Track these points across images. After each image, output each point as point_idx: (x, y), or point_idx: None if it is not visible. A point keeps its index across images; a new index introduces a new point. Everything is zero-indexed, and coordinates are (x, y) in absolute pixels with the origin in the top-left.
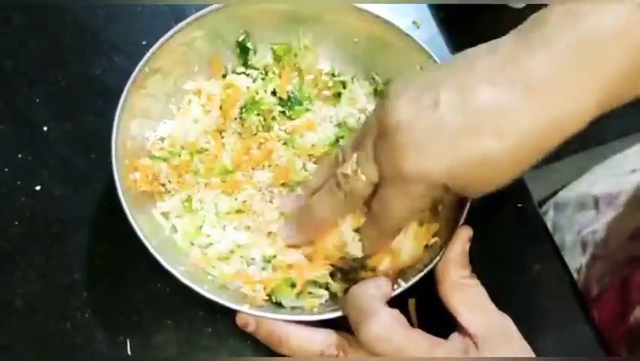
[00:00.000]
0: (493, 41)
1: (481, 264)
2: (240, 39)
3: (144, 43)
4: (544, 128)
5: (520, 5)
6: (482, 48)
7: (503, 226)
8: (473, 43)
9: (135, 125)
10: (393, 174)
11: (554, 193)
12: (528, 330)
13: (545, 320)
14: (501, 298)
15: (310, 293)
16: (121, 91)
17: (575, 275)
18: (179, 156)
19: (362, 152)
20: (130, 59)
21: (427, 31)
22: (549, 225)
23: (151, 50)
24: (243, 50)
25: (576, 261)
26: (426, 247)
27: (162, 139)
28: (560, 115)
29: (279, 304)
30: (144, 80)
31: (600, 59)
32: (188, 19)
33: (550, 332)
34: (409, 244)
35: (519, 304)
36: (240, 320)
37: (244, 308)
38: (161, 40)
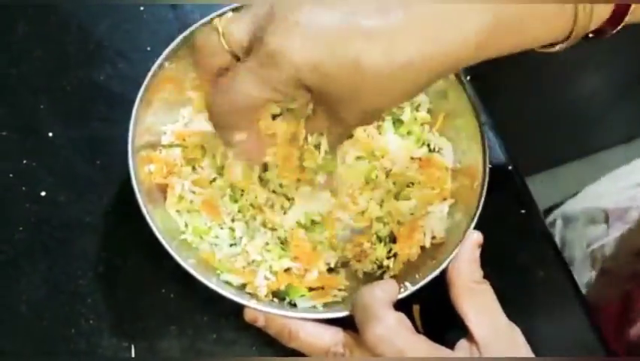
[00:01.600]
0: None
1: (484, 270)
2: None
3: (148, 49)
4: (430, 53)
5: None
6: None
7: (507, 233)
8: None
9: (151, 117)
10: (256, 48)
11: (560, 203)
12: (531, 336)
13: (549, 326)
14: (504, 304)
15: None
16: (125, 97)
17: (584, 290)
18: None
19: (240, 17)
20: (134, 66)
21: None
22: (557, 238)
23: (174, 43)
24: None
25: (584, 275)
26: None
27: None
28: (444, 43)
29: (286, 302)
30: (164, 73)
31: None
32: (214, 14)
33: (553, 338)
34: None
35: (523, 310)
36: (248, 315)
37: (252, 303)
38: (185, 33)
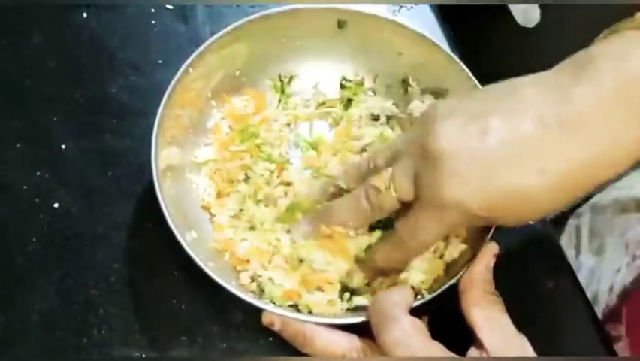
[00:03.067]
0: (538, 74)
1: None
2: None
3: (160, 62)
4: (584, 166)
5: (531, 25)
6: (527, 80)
7: (515, 243)
8: (491, 66)
9: (176, 124)
10: (431, 198)
11: (587, 198)
12: (540, 346)
13: (558, 337)
14: (513, 315)
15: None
16: (137, 109)
17: (612, 277)
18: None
19: (399, 168)
20: (146, 78)
21: None
22: (585, 229)
23: (197, 51)
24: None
25: (616, 262)
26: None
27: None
28: (600, 153)
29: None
30: (189, 81)
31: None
32: (229, 27)
33: (562, 348)
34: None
35: (532, 321)
36: (266, 319)
37: (269, 307)
38: (208, 42)
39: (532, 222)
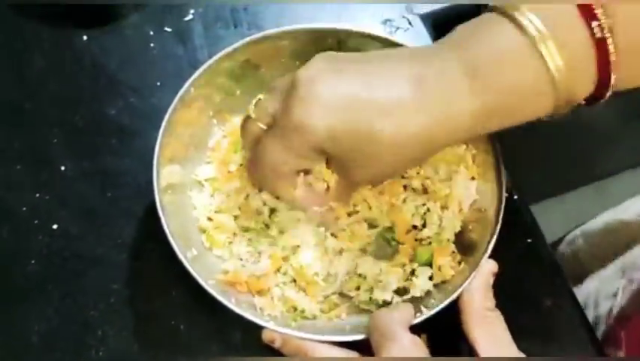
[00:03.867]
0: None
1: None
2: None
3: (158, 84)
4: (426, 126)
5: None
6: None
7: (513, 261)
8: None
9: (176, 144)
10: (280, 119)
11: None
12: None
13: (557, 355)
14: (512, 334)
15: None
16: (136, 131)
17: (610, 300)
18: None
19: (269, 95)
20: (145, 100)
21: None
22: (583, 254)
23: (199, 70)
24: None
25: (613, 285)
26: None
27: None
28: (440, 115)
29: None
30: (191, 101)
31: (480, 79)
32: (230, 48)
33: None
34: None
35: (530, 340)
36: (266, 336)
37: (269, 325)
38: (211, 61)
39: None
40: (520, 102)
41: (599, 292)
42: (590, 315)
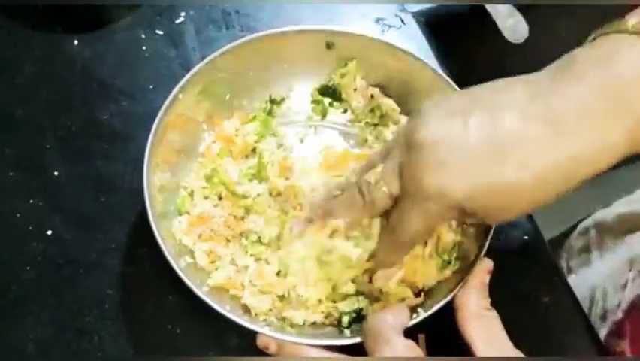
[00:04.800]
0: (524, 76)
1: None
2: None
3: (151, 87)
4: (567, 162)
5: (519, 41)
6: (512, 80)
7: (510, 259)
8: (480, 82)
9: (167, 149)
10: (413, 188)
11: (586, 216)
12: None
13: (555, 352)
14: (510, 331)
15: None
16: (129, 135)
17: (619, 293)
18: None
19: (388, 163)
20: (137, 104)
21: None
22: (595, 246)
23: (187, 76)
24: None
25: (622, 277)
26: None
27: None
28: (584, 150)
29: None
30: (180, 106)
31: (628, 99)
32: (218, 52)
33: None
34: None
35: (528, 337)
36: (260, 342)
37: (264, 330)
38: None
39: (519, 220)
40: None
41: (608, 285)
42: (599, 308)
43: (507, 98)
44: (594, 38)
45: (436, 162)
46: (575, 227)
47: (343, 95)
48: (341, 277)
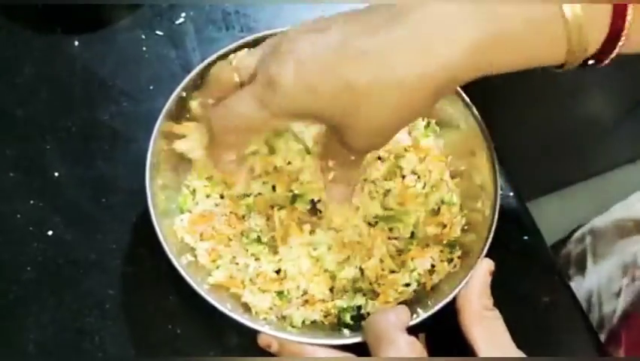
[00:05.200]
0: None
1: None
2: None
3: (151, 88)
4: (423, 69)
5: None
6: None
7: (510, 260)
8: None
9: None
10: (258, 74)
11: (584, 220)
12: None
13: (556, 352)
14: (510, 332)
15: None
16: (130, 136)
17: (614, 300)
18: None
19: (255, 50)
20: (138, 105)
21: None
22: (589, 253)
23: (189, 76)
24: None
25: (616, 284)
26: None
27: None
28: (436, 58)
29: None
30: (182, 107)
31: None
32: (220, 52)
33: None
34: None
35: (528, 337)
36: (262, 341)
37: (265, 329)
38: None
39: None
40: (529, 34)
41: (602, 292)
42: (595, 316)
43: (358, 21)
44: None
45: (286, 52)
46: (572, 234)
47: None
48: (334, 264)
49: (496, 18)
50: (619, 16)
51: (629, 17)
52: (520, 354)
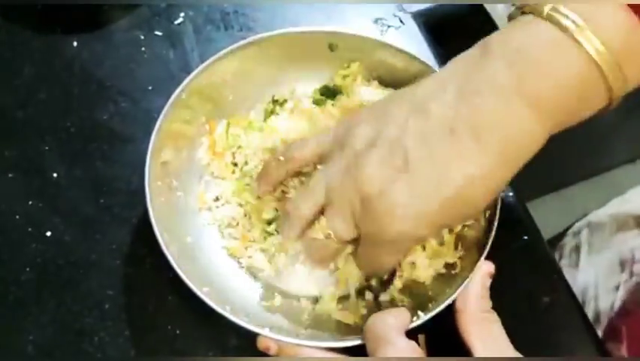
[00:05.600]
0: (435, 76)
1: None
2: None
3: (150, 88)
4: (501, 160)
5: None
6: (429, 85)
7: (510, 260)
8: None
9: (168, 150)
10: (373, 237)
11: (582, 216)
12: None
13: (556, 352)
14: (510, 331)
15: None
16: (129, 136)
17: (611, 295)
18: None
19: (332, 213)
20: (137, 105)
21: None
22: (585, 246)
23: (189, 77)
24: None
25: (613, 279)
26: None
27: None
28: (512, 147)
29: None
30: (182, 107)
31: (540, 92)
32: (221, 52)
33: None
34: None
35: (528, 337)
36: (261, 344)
37: (265, 331)
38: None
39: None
40: (572, 99)
41: (599, 286)
42: (591, 309)
43: (431, 114)
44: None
45: (394, 209)
46: (569, 228)
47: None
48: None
49: (545, 105)
50: None
51: None
52: (518, 355)
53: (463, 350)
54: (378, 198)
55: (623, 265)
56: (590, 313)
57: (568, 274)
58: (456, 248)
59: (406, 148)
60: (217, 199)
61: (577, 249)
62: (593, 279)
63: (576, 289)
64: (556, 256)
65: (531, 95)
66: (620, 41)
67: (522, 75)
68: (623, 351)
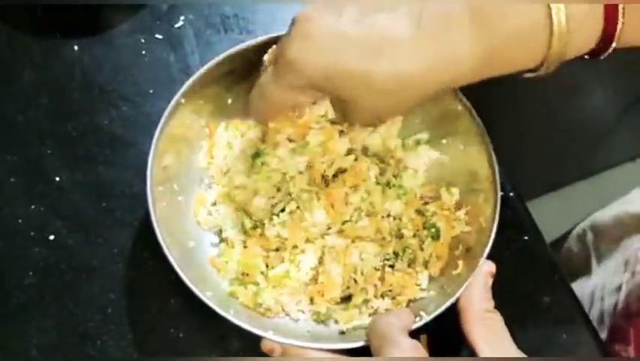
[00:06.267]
0: None
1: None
2: None
3: (151, 92)
4: (429, 68)
5: None
6: None
7: (511, 260)
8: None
9: (169, 154)
10: (278, 57)
11: (584, 217)
12: None
13: (556, 352)
14: (510, 331)
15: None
16: (130, 140)
17: (614, 295)
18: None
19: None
20: (137, 109)
21: None
22: (593, 253)
23: (189, 81)
24: None
25: (617, 279)
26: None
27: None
28: (446, 58)
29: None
30: (182, 111)
31: (493, 18)
32: (221, 56)
33: None
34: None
35: (529, 337)
36: (265, 346)
37: (268, 334)
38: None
39: (519, 221)
40: (514, 44)
41: (605, 286)
42: (597, 310)
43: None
44: None
45: (303, 37)
46: (572, 230)
47: None
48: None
49: (495, 35)
50: (610, 18)
51: (620, 19)
52: (520, 354)
53: (465, 350)
54: (296, 23)
55: (626, 264)
56: (595, 314)
57: (578, 281)
58: (456, 248)
59: (345, 6)
60: (214, 204)
61: (585, 256)
62: (601, 281)
63: (587, 292)
64: (564, 261)
65: (483, 19)
66: (579, 9)
67: (483, 14)
68: (631, 353)
